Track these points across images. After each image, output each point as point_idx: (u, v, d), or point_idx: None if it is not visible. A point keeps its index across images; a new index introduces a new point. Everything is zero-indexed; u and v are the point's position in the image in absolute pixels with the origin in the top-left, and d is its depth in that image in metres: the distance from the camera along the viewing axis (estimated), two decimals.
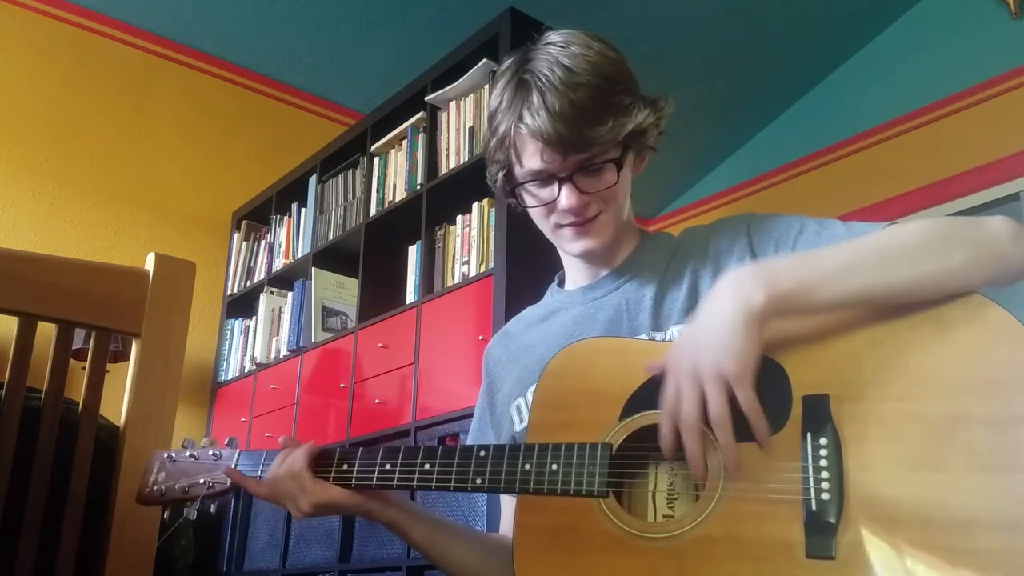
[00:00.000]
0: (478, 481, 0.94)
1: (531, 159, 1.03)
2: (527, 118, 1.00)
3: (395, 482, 0.99)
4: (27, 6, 3.39)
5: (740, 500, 0.82)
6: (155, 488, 1.09)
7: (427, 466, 0.97)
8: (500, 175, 1.10)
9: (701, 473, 0.84)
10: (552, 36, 1.06)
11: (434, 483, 0.97)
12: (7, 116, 3.27)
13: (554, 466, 0.91)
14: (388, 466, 1.00)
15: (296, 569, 2.76)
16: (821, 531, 0.77)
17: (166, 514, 1.14)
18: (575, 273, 1.17)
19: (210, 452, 1.10)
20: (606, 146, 1.01)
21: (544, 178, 1.04)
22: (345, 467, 1.02)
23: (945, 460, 0.77)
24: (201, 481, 1.08)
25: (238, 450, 1.10)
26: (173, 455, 1.11)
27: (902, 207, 3.62)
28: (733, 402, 0.83)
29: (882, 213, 3.67)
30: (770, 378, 0.85)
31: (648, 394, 0.90)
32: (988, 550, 0.72)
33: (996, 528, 0.73)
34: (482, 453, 0.95)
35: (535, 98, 1.00)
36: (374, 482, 1.00)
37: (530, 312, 1.23)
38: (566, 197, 1.03)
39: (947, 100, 3.58)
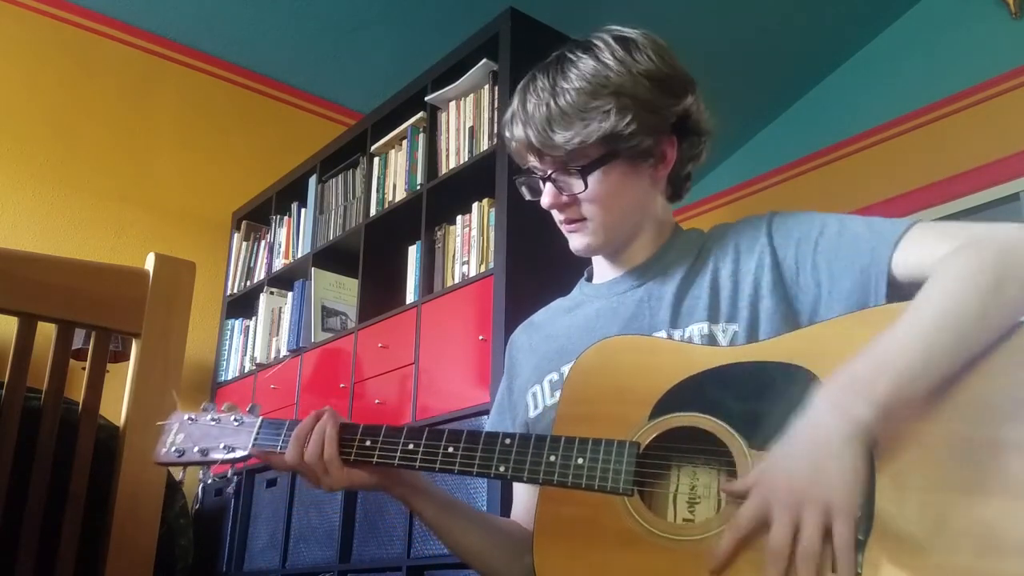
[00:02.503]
0: (501, 469, 0.94)
1: (521, 157, 1.10)
2: (511, 121, 1.08)
3: (417, 463, 0.98)
4: (27, 6, 3.39)
5: None
6: (172, 449, 1.06)
7: (451, 449, 0.97)
8: (520, 167, 1.15)
9: None
10: (593, 36, 1.08)
11: (457, 467, 0.96)
12: (7, 116, 3.27)
13: (580, 460, 0.90)
14: (411, 446, 0.99)
15: (296, 569, 2.76)
16: None
17: (181, 476, 1.12)
18: (601, 267, 1.19)
19: (232, 417, 1.07)
20: (580, 151, 1.03)
21: (536, 175, 1.09)
22: (368, 444, 1.01)
23: (978, 484, 0.76)
24: (221, 445, 1.05)
25: (260, 417, 1.08)
26: (194, 416, 1.08)
27: (902, 207, 3.62)
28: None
29: (882, 213, 3.66)
30: (807, 391, 0.85)
31: (681, 396, 0.90)
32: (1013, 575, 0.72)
33: (1022, 554, 0.72)
34: (507, 441, 0.95)
35: (516, 102, 1.08)
36: (396, 461, 0.99)
37: (558, 303, 1.25)
38: (544, 195, 1.08)
39: (947, 100, 3.58)
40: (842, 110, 4.00)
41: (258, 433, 1.06)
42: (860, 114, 3.89)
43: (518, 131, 1.06)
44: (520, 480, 0.95)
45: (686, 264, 1.09)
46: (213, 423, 1.08)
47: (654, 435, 0.90)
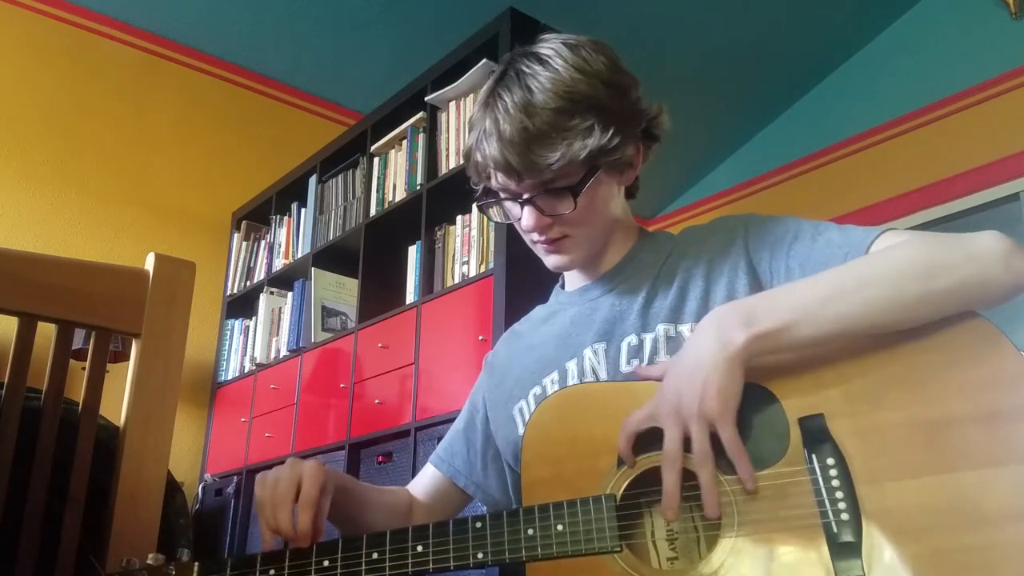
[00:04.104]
0: (480, 556, 0.88)
1: (493, 179, 1.05)
2: (482, 142, 1.03)
3: (387, 571, 0.91)
4: (26, 6, 3.39)
5: (761, 532, 0.81)
6: None
7: (420, 548, 0.90)
8: (480, 188, 1.11)
9: (673, 508, 0.83)
10: (539, 46, 1.05)
11: (431, 565, 0.90)
12: (7, 116, 3.27)
13: (559, 527, 0.86)
14: (376, 555, 0.92)
15: None
16: (846, 551, 0.77)
17: None
18: (572, 274, 1.18)
19: (163, 570, 0.99)
20: (564, 170, 0.99)
21: (510, 197, 1.05)
22: (326, 564, 0.93)
23: (946, 462, 0.78)
24: None
25: (196, 563, 0.99)
26: None
27: (902, 207, 3.62)
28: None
29: (882, 213, 3.67)
30: (763, 405, 0.85)
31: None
32: (1009, 542, 0.73)
33: (1009, 520, 0.74)
34: (478, 525, 0.89)
35: (489, 123, 1.01)
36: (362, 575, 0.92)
37: (537, 312, 1.24)
38: (525, 218, 1.04)
39: (947, 100, 3.58)
40: (842, 110, 4.00)
41: None
42: (860, 114, 3.89)
43: (492, 151, 1.00)
44: (503, 564, 0.89)
45: (657, 267, 1.09)
46: None
47: (626, 482, 0.88)
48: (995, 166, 3.34)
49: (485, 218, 2.48)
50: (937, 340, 0.83)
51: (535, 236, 1.06)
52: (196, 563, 0.99)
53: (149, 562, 1.00)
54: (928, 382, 0.81)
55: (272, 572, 0.95)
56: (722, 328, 0.86)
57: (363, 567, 0.92)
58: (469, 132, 1.08)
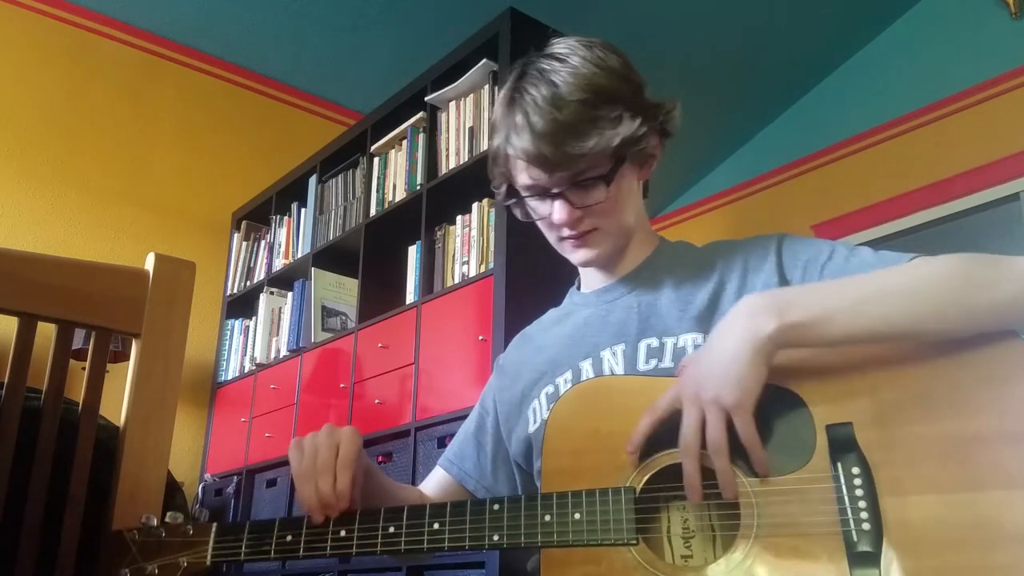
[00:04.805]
0: (495, 538, 0.88)
1: (521, 175, 1.06)
2: (512, 138, 1.03)
3: (402, 546, 0.91)
4: (26, 6, 3.39)
5: (780, 536, 0.81)
6: (127, 571, 0.98)
7: (436, 525, 0.91)
8: (503, 188, 1.12)
9: (696, 489, 0.83)
10: (554, 47, 1.06)
11: (447, 543, 0.90)
12: (6, 116, 3.27)
13: (576, 515, 0.86)
14: (392, 529, 0.92)
15: (296, 569, 2.76)
16: (864, 561, 0.77)
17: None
18: (590, 276, 1.18)
19: (180, 529, 1.00)
20: (594, 161, 1.01)
21: (539, 192, 1.06)
22: (343, 534, 0.93)
23: (972, 479, 0.77)
24: (181, 560, 0.98)
25: (214, 524, 0.99)
26: (135, 535, 1.01)
27: (902, 207, 3.62)
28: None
29: (882, 213, 3.67)
30: (791, 410, 0.85)
31: (666, 432, 0.87)
32: None
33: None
34: (496, 507, 0.89)
35: (519, 118, 1.02)
36: (378, 548, 0.92)
37: (549, 315, 1.24)
38: (557, 212, 1.05)
39: (947, 100, 3.58)
40: (842, 110, 4.00)
41: (213, 541, 0.98)
42: (860, 114, 3.89)
43: (525, 144, 1.01)
44: (518, 547, 0.89)
45: (679, 274, 1.09)
46: (163, 535, 1.00)
47: (647, 476, 0.88)
48: (995, 166, 3.34)
49: (485, 218, 2.48)
50: (971, 356, 0.82)
51: (565, 231, 1.07)
52: (215, 524, 0.99)
53: (167, 520, 1.00)
54: (960, 397, 0.81)
55: (289, 538, 0.95)
56: (753, 315, 0.85)
57: (379, 540, 0.92)
58: (491, 134, 1.09)
